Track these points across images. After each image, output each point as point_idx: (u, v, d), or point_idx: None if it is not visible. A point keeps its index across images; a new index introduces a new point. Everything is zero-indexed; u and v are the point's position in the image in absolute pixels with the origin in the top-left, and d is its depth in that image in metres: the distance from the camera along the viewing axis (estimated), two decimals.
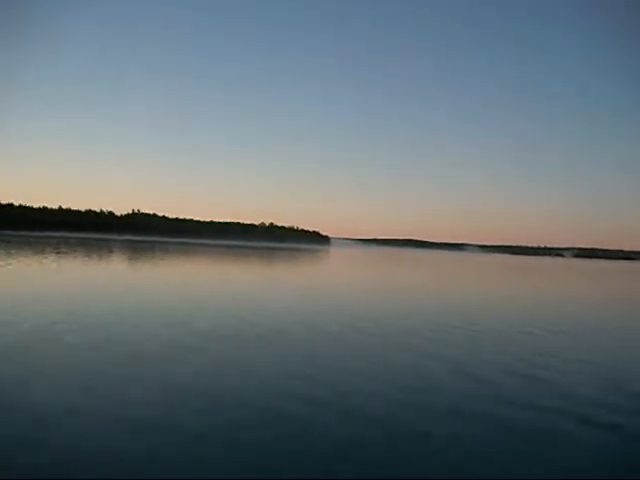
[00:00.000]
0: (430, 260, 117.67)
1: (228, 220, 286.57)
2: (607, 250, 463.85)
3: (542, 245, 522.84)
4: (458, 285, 38.90)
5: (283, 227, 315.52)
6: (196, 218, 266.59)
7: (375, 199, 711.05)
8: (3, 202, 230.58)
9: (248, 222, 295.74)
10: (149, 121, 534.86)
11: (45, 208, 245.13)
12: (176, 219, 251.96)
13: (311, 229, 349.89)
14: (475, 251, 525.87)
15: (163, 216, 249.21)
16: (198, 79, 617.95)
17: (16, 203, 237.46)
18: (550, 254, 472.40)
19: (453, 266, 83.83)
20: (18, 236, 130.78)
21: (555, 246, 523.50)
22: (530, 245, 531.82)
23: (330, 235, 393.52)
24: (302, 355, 11.68)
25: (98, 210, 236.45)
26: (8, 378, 8.78)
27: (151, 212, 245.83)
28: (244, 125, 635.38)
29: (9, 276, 26.73)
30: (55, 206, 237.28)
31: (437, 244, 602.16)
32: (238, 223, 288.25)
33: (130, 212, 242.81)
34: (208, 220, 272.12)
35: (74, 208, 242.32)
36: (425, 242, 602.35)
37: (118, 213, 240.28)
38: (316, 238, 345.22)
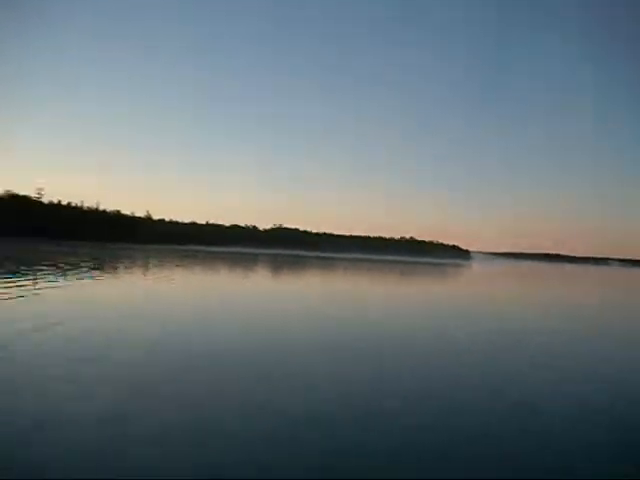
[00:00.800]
0: (583, 276, 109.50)
1: (368, 234, 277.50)
2: None
3: None
4: None
5: (423, 241, 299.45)
6: (337, 232, 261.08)
7: (514, 211, 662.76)
8: (155, 217, 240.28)
9: (388, 236, 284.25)
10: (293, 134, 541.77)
11: (194, 223, 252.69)
12: (317, 234, 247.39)
13: (450, 243, 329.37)
14: (618, 266, 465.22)
15: (305, 231, 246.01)
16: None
17: (167, 219, 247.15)
18: None
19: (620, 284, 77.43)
20: (169, 250, 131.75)
21: None
22: None
23: (469, 249, 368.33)
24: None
25: (243, 225, 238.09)
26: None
27: (293, 227, 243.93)
28: (380, 138, 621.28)
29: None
30: (203, 221, 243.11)
31: (578, 258, 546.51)
32: (379, 237, 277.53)
33: (273, 226, 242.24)
34: (348, 234, 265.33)
35: (219, 223, 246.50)
36: (565, 256, 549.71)
37: (261, 228, 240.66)
38: (456, 252, 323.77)
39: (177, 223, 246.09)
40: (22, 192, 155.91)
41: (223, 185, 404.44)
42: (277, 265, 73.51)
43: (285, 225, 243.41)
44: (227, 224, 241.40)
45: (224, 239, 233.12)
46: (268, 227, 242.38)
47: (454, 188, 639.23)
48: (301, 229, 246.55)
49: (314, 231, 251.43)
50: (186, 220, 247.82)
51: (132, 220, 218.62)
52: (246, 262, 79.57)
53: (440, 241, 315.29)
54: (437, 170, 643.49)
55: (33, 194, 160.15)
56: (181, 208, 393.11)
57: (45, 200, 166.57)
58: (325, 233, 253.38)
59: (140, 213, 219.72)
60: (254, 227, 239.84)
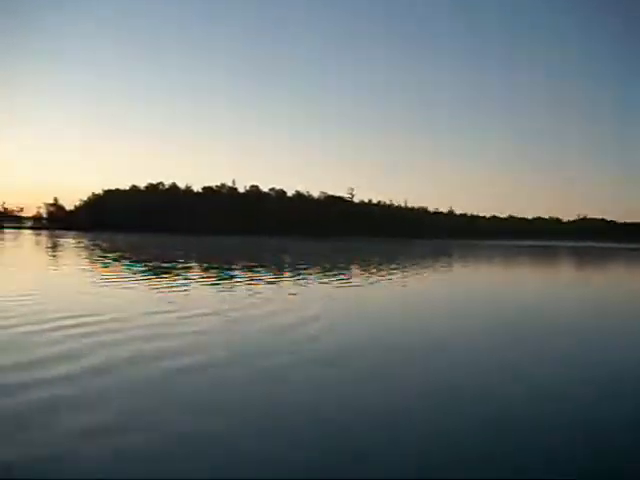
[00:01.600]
0: None
1: None
2: None
3: None
4: None
5: None
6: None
7: None
8: (457, 212, 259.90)
9: None
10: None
11: (494, 217, 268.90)
12: (624, 224, 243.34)
13: None
14: None
15: (611, 221, 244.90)
16: None
17: (468, 213, 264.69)
18: None
19: None
20: (480, 246, 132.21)
21: None
22: None
23: None
24: None
25: (546, 217, 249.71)
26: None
27: (599, 217, 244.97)
28: None
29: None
30: (504, 215, 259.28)
31: None
32: None
33: (577, 217, 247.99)
34: None
35: (519, 216, 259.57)
36: None
37: (565, 219, 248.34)
38: None
39: (477, 217, 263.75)
40: (337, 193, 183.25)
41: (521, 179, 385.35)
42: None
43: (589, 216, 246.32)
44: (529, 217, 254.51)
45: (527, 232, 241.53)
46: (571, 219, 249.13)
47: None
48: (607, 219, 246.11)
49: (620, 221, 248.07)
50: (487, 214, 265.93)
51: (437, 216, 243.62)
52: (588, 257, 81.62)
53: None
54: None
55: (345, 194, 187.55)
56: (479, 203, 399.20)
57: (356, 199, 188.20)
58: (632, 223, 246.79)
59: (443, 208, 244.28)
60: (557, 219, 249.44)
